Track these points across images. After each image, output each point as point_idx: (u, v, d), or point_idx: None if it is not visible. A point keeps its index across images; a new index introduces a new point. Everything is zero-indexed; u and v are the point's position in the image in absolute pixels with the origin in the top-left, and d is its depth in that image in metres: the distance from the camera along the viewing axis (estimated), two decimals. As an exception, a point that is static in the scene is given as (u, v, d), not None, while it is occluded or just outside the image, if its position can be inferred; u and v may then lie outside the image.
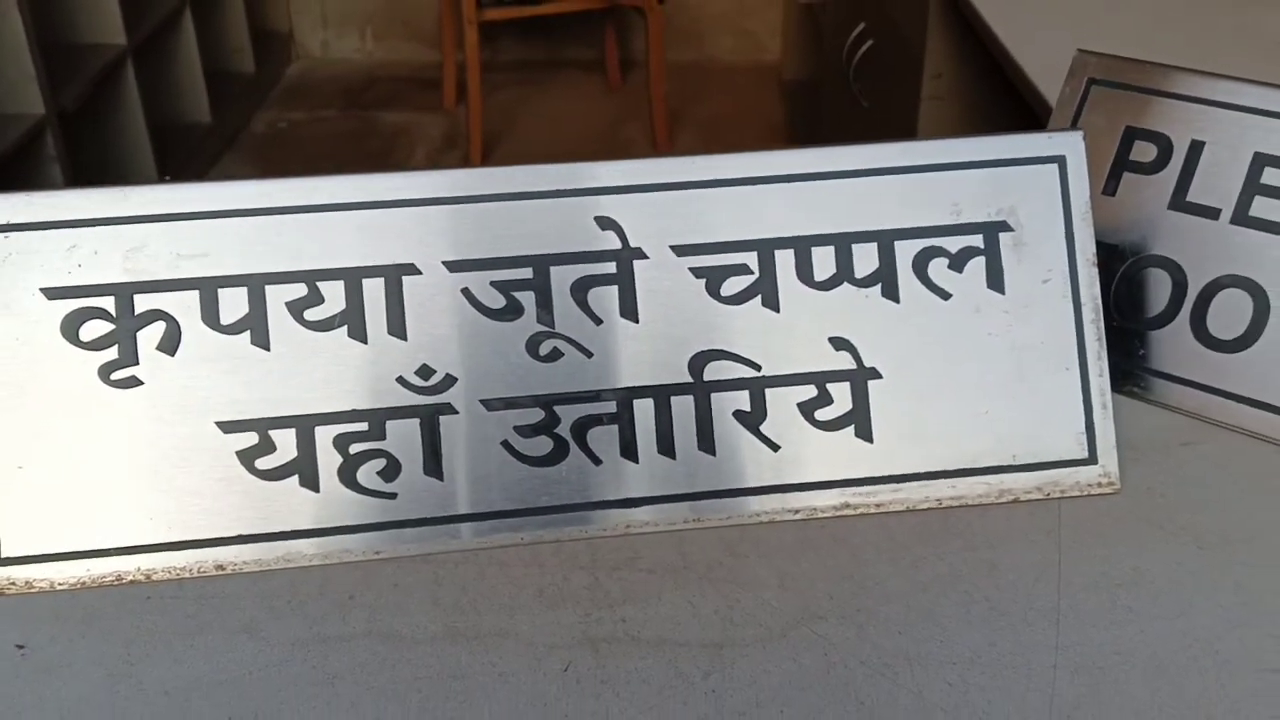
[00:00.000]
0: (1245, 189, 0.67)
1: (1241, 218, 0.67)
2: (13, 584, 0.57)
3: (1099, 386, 0.63)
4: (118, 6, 2.64)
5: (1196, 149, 0.68)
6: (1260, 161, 0.67)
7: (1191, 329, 0.68)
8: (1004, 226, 0.63)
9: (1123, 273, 0.70)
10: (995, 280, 0.62)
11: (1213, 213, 0.68)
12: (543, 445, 0.61)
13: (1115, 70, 0.72)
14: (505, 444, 0.61)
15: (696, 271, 0.62)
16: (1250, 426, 0.67)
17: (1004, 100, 1.47)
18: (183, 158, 2.94)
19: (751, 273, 0.62)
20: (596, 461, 0.61)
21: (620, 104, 3.51)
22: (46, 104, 2.34)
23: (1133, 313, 0.70)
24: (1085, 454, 0.63)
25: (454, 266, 0.61)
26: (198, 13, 3.07)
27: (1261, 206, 0.67)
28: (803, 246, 0.62)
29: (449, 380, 0.61)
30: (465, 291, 0.61)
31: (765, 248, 0.62)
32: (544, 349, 0.61)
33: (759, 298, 0.62)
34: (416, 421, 0.60)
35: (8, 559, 0.57)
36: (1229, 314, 0.67)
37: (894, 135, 1.67)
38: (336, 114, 3.52)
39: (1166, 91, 0.70)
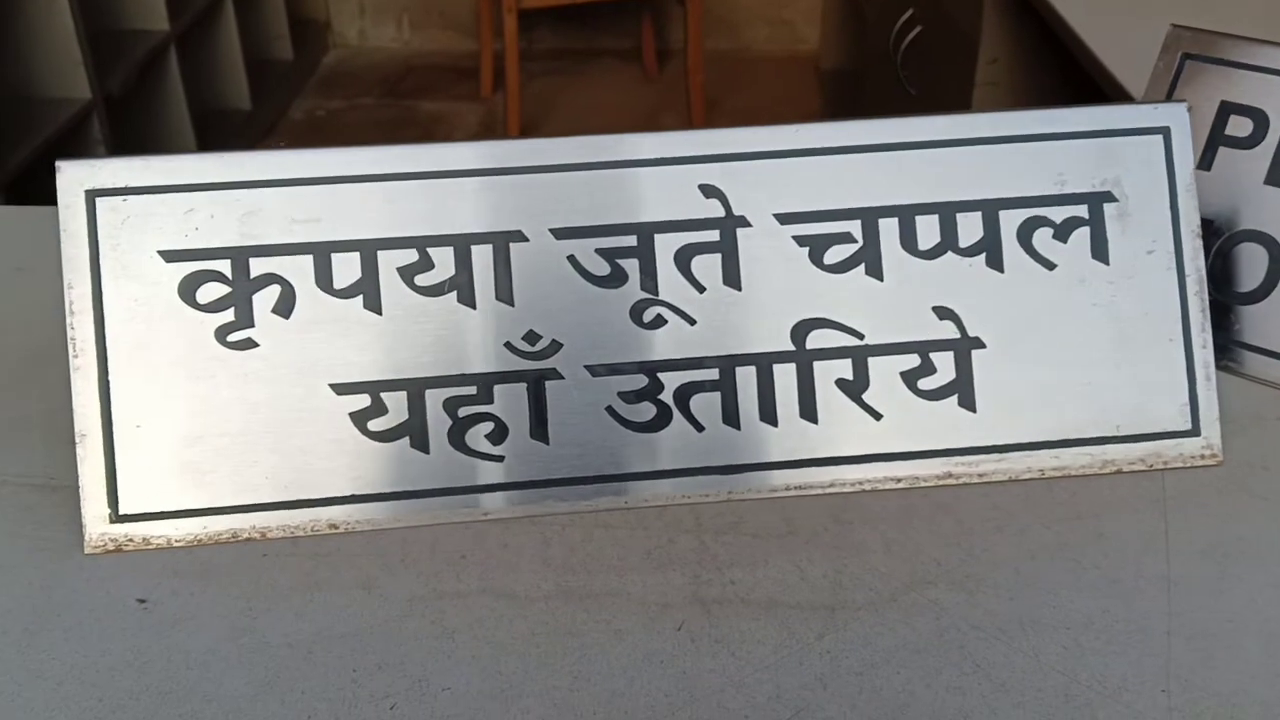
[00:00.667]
0: (1345, 163, 0.67)
1: (1341, 192, 0.67)
2: (130, 540, 0.58)
3: (1202, 359, 0.63)
4: (162, -7, 2.67)
5: (1294, 124, 0.68)
6: (1361, 135, 0.67)
7: (1288, 303, 0.68)
8: (1108, 197, 0.63)
9: (1217, 248, 0.70)
10: (1100, 251, 0.63)
11: (1310, 188, 0.68)
12: (646, 411, 0.62)
13: (1210, 45, 0.72)
14: (609, 409, 0.61)
15: (800, 240, 0.62)
16: (1348, 400, 0.67)
17: (1063, 85, 1.47)
18: (223, 144, 2.96)
19: (855, 241, 0.62)
20: (699, 428, 0.62)
21: (657, 93, 3.52)
22: (93, 89, 2.36)
23: (1227, 287, 0.70)
24: (1189, 426, 0.63)
25: (560, 234, 0.61)
26: (238, 0, 3.09)
27: (1360, 181, 0.67)
28: (907, 215, 0.62)
29: (555, 346, 0.61)
30: (571, 258, 0.61)
31: (869, 216, 0.62)
32: (647, 316, 0.62)
33: (862, 266, 0.62)
34: (523, 386, 0.61)
35: (126, 516, 0.58)
36: (1327, 288, 0.67)
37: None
38: (374, 102, 3.54)
39: (1262, 66, 0.70)
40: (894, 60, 2.02)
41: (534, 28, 3.69)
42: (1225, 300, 0.70)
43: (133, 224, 0.59)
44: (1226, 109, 0.71)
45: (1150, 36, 0.77)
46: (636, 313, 0.62)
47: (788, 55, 3.73)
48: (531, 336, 0.61)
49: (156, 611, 0.55)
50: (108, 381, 0.58)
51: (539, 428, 0.61)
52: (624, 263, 0.62)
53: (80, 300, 0.58)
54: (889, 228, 0.62)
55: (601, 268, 0.62)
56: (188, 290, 0.59)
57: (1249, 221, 0.70)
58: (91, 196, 0.59)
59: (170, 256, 0.59)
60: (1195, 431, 0.63)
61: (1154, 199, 0.63)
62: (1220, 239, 0.70)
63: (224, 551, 0.58)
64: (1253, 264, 0.69)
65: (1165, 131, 0.63)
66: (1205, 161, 0.71)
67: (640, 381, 0.62)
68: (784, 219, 0.62)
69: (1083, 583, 0.57)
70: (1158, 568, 0.58)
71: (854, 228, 0.62)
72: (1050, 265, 0.63)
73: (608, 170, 0.62)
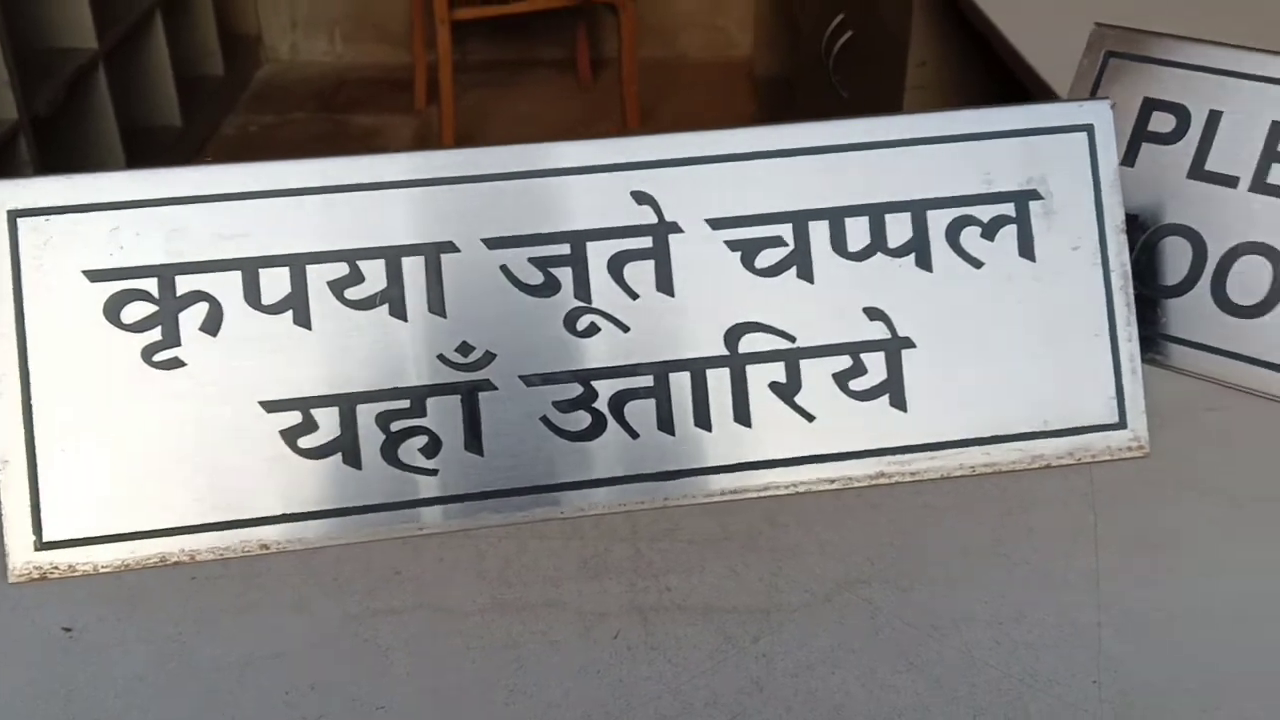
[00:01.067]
0: (1263, 157, 0.68)
1: (1260, 185, 0.68)
2: (55, 568, 0.57)
3: (1128, 352, 0.64)
4: (89, 9, 2.62)
5: (1214, 119, 0.70)
6: (1278, 130, 0.68)
7: (1212, 295, 0.69)
8: (1034, 195, 0.64)
9: (1143, 242, 0.71)
10: (1026, 248, 0.63)
11: (1231, 181, 0.69)
12: (581, 420, 0.61)
13: (1133, 43, 0.73)
14: (544, 419, 0.61)
15: (732, 244, 0.62)
16: (1272, 390, 0.68)
17: (991, 87, 1.49)
18: (154, 162, 2.92)
19: (786, 244, 0.63)
20: (634, 435, 0.62)
21: (591, 103, 3.51)
22: (20, 109, 2.32)
23: (1152, 281, 0.71)
24: (1116, 419, 0.63)
25: (492, 244, 0.61)
26: (167, 16, 3.05)
27: None
28: (837, 217, 0.63)
29: (488, 357, 0.61)
30: (504, 268, 0.61)
31: (800, 219, 0.63)
32: (581, 324, 0.62)
33: (794, 269, 0.63)
34: (457, 398, 0.60)
35: (50, 543, 0.57)
36: (1248, 280, 0.68)
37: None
38: (307, 117, 3.50)
39: (1184, 63, 0.71)
40: (826, 65, 2.03)
41: (467, 39, 3.68)
42: (1151, 294, 0.71)
43: (56, 244, 0.58)
44: (1149, 105, 0.72)
45: (1076, 36, 0.78)
46: (570, 321, 0.62)
47: (722, 62, 3.74)
48: (464, 348, 0.61)
49: (83, 639, 0.54)
50: (30, 405, 0.57)
51: (473, 440, 0.61)
52: (557, 271, 0.62)
53: (2, 323, 0.57)
54: (819, 230, 0.63)
55: (534, 277, 0.61)
56: (113, 310, 0.58)
57: (1173, 216, 0.71)
58: (13, 217, 0.57)
59: (95, 276, 0.58)
60: (1122, 424, 0.64)
61: (1079, 196, 0.64)
62: (1145, 233, 0.71)
63: (152, 576, 0.57)
64: (1177, 257, 0.70)
65: (1089, 129, 0.64)
66: (1129, 157, 0.72)
67: (574, 390, 0.61)
68: (716, 224, 0.62)
69: (1014, 577, 0.57)
70: (1087, 560, 0.58)
71: (785, 231, 0.63)
72: (978, 264, 0.63)
73: (539, 179, 0.62)
